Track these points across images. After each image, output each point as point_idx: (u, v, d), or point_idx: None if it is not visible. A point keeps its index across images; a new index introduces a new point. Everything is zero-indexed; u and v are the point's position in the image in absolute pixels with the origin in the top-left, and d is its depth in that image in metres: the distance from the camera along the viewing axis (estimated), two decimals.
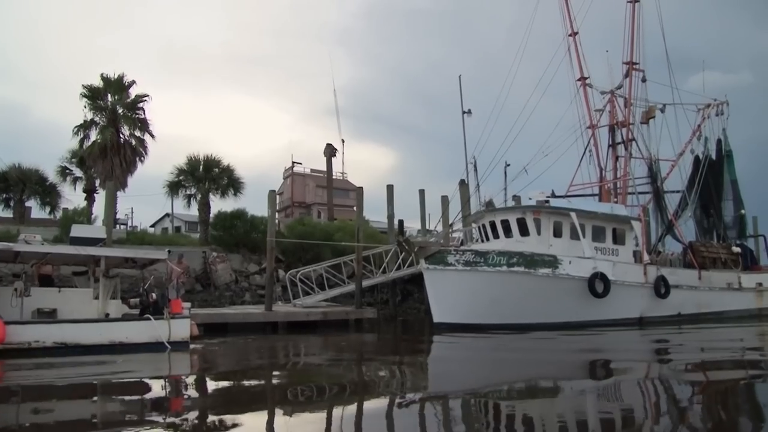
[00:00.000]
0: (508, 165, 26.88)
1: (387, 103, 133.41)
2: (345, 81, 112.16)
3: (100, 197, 30.26)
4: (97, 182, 29.95)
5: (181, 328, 13.86)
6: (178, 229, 51.03)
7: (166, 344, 13.25)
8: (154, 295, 14.13)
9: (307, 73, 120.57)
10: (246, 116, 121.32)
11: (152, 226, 54.18)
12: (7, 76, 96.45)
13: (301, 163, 52.35)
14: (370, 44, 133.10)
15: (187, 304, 15.01)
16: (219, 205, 29.83)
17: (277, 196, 56.63)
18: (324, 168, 42.58)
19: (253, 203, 54.85)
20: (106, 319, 13.56)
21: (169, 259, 15.17)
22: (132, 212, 54.65)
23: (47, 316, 13.20)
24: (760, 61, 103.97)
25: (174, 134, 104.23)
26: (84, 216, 28.07)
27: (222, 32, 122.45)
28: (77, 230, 14.54)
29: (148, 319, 13.54)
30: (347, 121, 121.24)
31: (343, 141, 52.67)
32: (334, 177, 48.86)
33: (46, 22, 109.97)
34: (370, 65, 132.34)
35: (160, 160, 62.24)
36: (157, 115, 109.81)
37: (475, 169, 27.15)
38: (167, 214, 50.86)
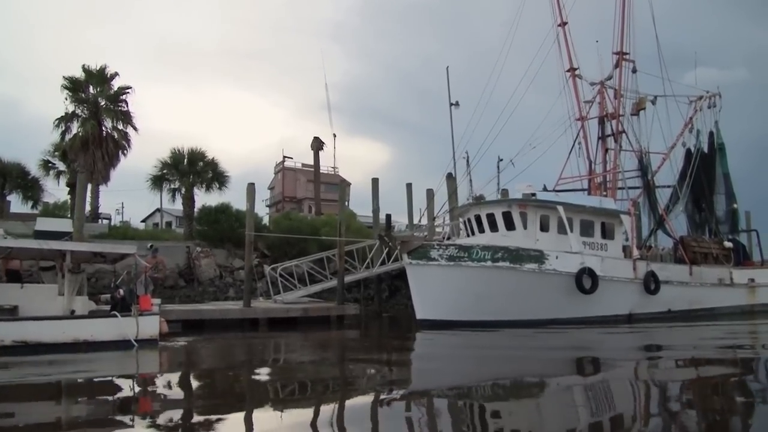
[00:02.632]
0: (501, 160, 26.40)
1: (382, 99, 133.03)
2: (340, 76, 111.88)
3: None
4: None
5: (150, 326, 13.37)
6: (169, 224, 50.51)
7: (133, 342, 12.77)
8: (121, 291, 13.63)
9: (302, 68, 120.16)
10: (241, 111, 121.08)
11: (143, 221, 53.64)
12: None
13: (292, 158, 51.93)
14: (365, 40, 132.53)
15: (157, 301, 14.53)
16: (204, 199, 29.34)
17: (269, 191, 56.31)
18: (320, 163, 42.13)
19: (245, 198, 54.38)
20: (70, 316, 13.01)
21: (139, 254, 14.65)
22: (122, 207, 54.30)
23: (7, 313, 12.65)
24: (756, 57, 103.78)
25: (169, 130, 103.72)
26: (65, 210, 27.54)
27: (217, 27, 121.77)
28: (42, 224, 14.01)
29: (115, 316, 13.04)
30: (342, 117, 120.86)
31: (334, 135, 52.24)
32: (325, 172, 48.47)
33: (40, 16, 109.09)
34: (365, 61, 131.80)
35: (154, 155, 61.64)
36: (152, 110, 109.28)
37: (468, 164, 26.65)
38: (158, 209, 50.35)
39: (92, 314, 13.52)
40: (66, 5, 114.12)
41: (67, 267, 13.60)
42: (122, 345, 12.72)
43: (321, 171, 47.41)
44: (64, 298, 13.34)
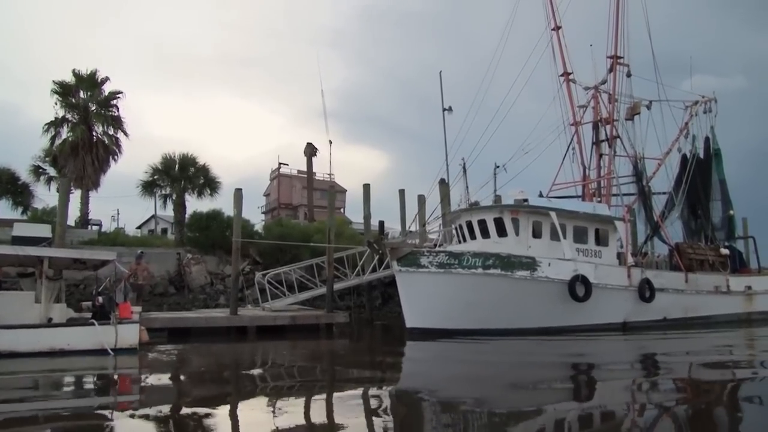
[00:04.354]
0: (498, 167, 26.10)
1: (380, 106, 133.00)
2: (338, 83, 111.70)
3: (75, 197, 29.49)
4: (71, 181, 29.01)
5: (129, 334, 13.07)
6: (165, 231, 50.15)
7: (110, 351, 12.43)
8: (100, 299, 13.30)
9: (300, 75, 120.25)
10: (239, 118, 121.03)
11: (138, 227, 53.31)
12: None
13: (287, 164, 51.68)
14: (363, 47, 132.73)
15: (138, 308, 14.19)
16: (196, 205, 29.02)
17: (264, 198, 56.04)
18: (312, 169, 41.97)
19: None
20: (46, 324, 12.68)
21: (123, 261, 14.34)
22: (118, 213, 53.94)
23: None
24: (754, 65, 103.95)
25: (168, 136, 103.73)
26: (55, 216, 27.15)
27: (215, 34, 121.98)
28: (19, 229, 13.67)
29: (92, 324, 12.71)
30: (341, 124, 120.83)
31: (330, 142, 52.15)
32: (321, 179, 48.25)
33: (37, 22, 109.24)
34: (363, 68, 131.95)
35: (153, 162, 61.45)
36: (152, 117, 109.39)
37: (464, 171, 26.33)
38: (153, 216, 50.02)
39: (70, 322, 13.18)
40: (65, 12, 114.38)
41: (45, 273, 13.30)
42: (100, 354, 12.40)
43: (317, 178, 47.26)
44: (41, 305, 13.03)
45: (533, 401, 8.84)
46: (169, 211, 32.59)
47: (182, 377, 11.55)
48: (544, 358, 13.98)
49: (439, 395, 9.15)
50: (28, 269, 17.91)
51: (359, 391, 10.01)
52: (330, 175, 51.28)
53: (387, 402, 9.04)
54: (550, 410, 8.08)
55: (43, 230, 13.92)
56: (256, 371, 12.56)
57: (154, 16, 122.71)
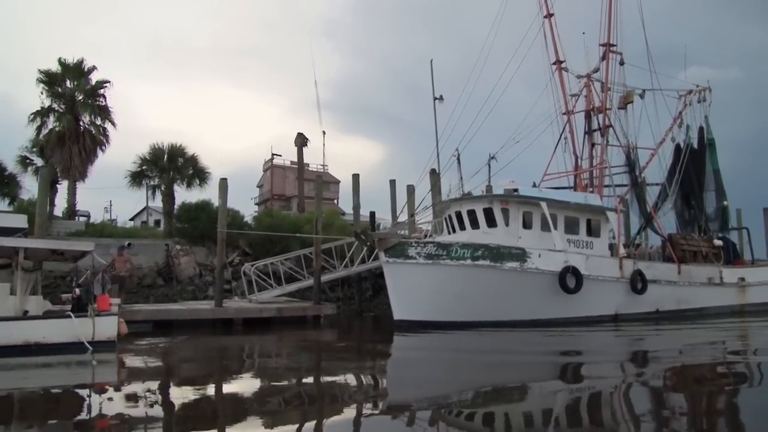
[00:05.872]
0: (492, 157, 25.74)
1: (375, 97, 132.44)
2: (333, 74, 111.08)
3: (63, 188, 29.14)
4: (59, 172, 28.63)
5: (107, 327, 12.72)
6: (157, 222, 49.84)
7: (87, 345, 12.11)
8: (77, 291, 12.98)
9: (295, 65, 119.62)
10: (235, 109, 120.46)
11: (131, 219, 52.99)
12: None
13: (280, 155, 51.18)
14: (358, 37, 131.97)
15: (116, 300, 13.87)
16: (185, 196, 28.67)
17: (257, 189, 55.63)
18: (305, 160, 41.68)
19: (233, 196, 53.68)
20: (20, 317, 12.35)
21: (103, 252, 14.01)
22: (111, 205, 53.61)
23: None
24: (749, 56, 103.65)
25: (164, 128, 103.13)
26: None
27: (210, 24, 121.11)
28: None
29: (69, 316, 12.38)
30: (336, 115, 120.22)
31: (324, 132, 51.67)
32: (313, 170, 47.88)
33: (31, 13, 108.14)
34: (358, 58, 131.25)
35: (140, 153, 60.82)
36: (147, 108, 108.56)
37: (458, 162, 26.01)
38: (145, 207, 49.66)
39: (46, 315, 12.86)
40: (60, 2, 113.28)
41: (21, 265, 12.96)
42: (77, 347, 12.08)
43: (311, 169, 46.89)
44: (16, 297, 12.70)
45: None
46: (159, 203, 32.22)
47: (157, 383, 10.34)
48: (533, 357, 13.49)
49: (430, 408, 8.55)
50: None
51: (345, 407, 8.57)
52: (323, 165, 50.93)
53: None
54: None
55: (19, 220, 13.58)
56: (239, 376, 11.51)
57: (150, 7, 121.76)
